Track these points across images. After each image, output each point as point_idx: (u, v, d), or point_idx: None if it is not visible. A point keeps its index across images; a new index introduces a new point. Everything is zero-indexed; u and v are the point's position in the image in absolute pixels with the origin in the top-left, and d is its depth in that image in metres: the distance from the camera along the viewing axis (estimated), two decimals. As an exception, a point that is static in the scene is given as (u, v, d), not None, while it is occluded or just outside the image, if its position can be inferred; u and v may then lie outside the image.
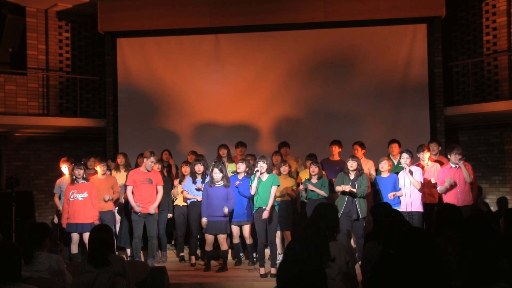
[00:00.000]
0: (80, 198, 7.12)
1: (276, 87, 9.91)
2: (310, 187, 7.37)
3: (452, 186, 7.01)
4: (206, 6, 9.87)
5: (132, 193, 7.41)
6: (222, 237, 7.21)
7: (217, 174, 7.08)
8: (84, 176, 7.27)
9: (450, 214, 4.11)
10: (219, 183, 7.13)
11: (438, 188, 7.24)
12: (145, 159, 7.40)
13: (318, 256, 2.73)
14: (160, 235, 7.84)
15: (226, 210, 7.05)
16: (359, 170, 7.19)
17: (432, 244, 2.60)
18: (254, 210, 6.90)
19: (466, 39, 10.30)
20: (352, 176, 7.19)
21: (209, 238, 7.22)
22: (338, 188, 7.23)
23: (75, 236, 7.16)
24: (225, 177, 7.15)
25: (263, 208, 6.73)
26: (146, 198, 7.35)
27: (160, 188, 7.48)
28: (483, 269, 2.83)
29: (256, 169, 6.77)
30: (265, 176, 6.79)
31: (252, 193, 6.80)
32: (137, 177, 7.38)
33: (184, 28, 9.99)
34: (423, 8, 9.41)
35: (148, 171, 7.40)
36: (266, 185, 6.77)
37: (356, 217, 7.05)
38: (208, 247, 7.27)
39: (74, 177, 7.20)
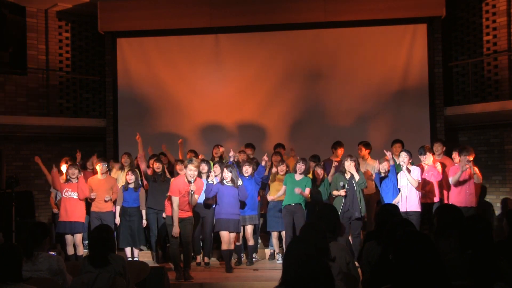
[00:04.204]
0: (75, 197, 7.32)
1: (276, 87, 9.90)
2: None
3: (464, 181, 7.03)
4: (206, 6, 9.87)
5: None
6: (232, 236, 7.27)
7: (225, 173, 7.26)
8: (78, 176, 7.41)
9: (450, 214, 4.11)
10: (228, 182, 7.25)
11: (450, 179, 7.22)
12: (185, 169, 6.82)
13: (319, 256, 2.73)
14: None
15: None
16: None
17: (431, 249, 2.53)
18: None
19: (466, 39, 10.28)
20: (348, 175, 7.19)
21: (225, 235, 7.21)
22: (335, 192, 7.26)
23: (69, 238, 7.31)
24: (235, 177, 7.27)
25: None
26: (184, 209, 6.83)
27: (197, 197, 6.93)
28: (483, 269, 2.83)
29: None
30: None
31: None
32: (182, 187, 6.71)
33: (184, 28, 10.00)
34: (423, 8, 9.41)
35: (190, 182, 6.67)
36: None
37: (359, 215, 7.03)
38: (225, 245, 7.22)
39: (68, 176, 7.37)
